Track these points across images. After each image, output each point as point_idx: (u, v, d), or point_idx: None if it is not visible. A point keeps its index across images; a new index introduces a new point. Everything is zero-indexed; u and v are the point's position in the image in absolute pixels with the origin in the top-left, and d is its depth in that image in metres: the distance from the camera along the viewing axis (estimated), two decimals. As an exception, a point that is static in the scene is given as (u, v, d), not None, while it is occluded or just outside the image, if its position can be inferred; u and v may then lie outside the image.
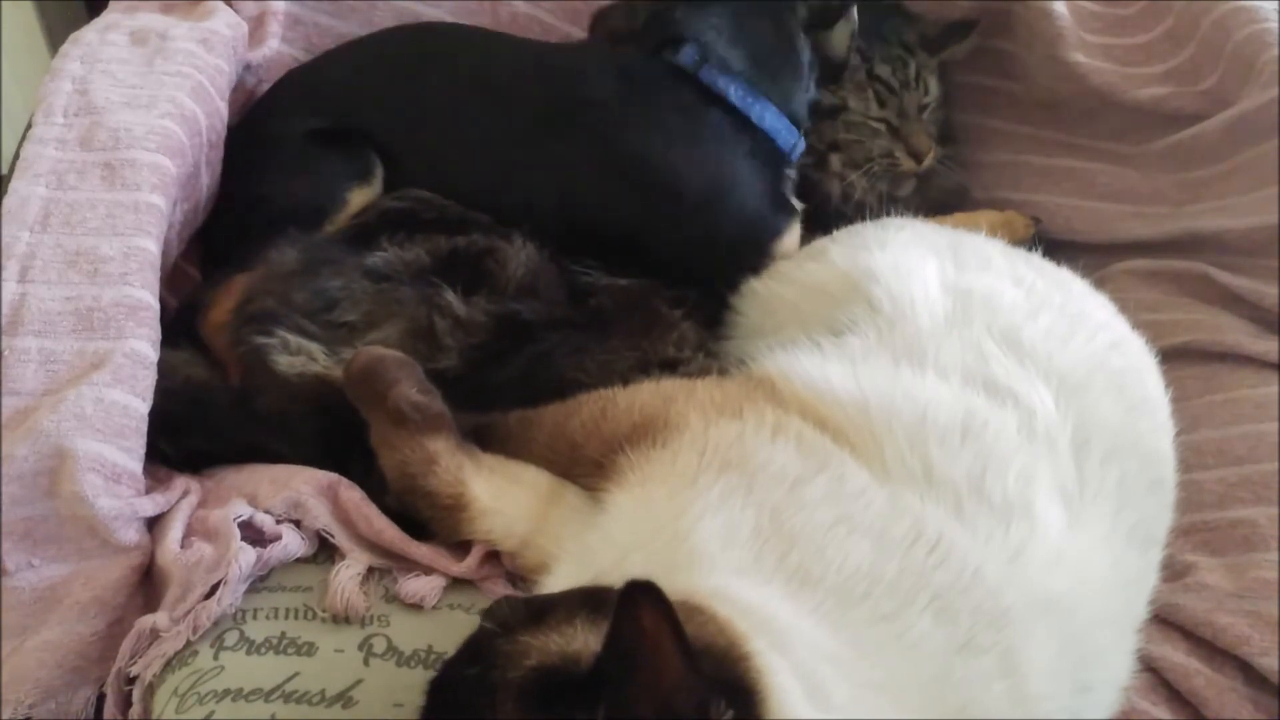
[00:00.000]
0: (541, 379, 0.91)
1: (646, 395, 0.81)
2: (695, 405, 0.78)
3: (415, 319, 0.94)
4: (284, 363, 0.93)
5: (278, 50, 1.23)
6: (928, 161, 1.26)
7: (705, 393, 0.81)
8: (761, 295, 1.04)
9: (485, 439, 0.85)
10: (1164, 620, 0.82)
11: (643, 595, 0.50)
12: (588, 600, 0.59)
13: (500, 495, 0.80)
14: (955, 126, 1.35)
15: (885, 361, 0.81)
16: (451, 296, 0.95)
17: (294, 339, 0.93)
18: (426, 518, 0.82)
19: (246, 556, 0.79)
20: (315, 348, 0.93)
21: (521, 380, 0.92)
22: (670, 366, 0.95)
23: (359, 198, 1.09)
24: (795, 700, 0.56)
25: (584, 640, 0.57)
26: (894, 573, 0.65)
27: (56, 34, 1.77)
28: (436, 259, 0.98)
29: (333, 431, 0.91)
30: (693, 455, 0.73)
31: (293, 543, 0.83)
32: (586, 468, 0.79)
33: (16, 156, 1.00)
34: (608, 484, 0.76)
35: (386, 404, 0.82)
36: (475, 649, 0.60)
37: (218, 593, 0.78)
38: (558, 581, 0.72)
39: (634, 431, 0.77)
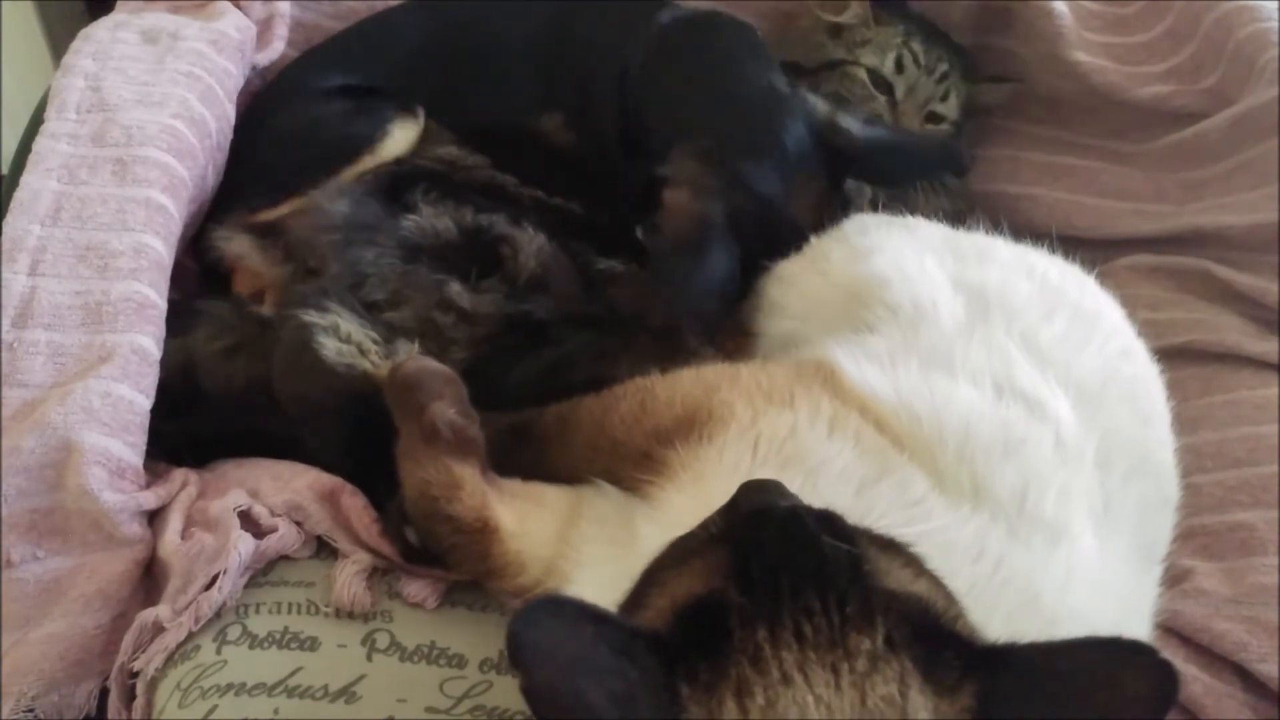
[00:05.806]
0: (566, 382, 0.87)
1: (688, 384, 0.77)
2: (740, 393, 0.73)
3: (421, 308, 0.93)
4: (331, 349, 0.89)
5: (283, 53, 1.23)
6: None
7: (751, 378, 0.76)
8: (773, 299, 0.99)
9: (521, 439, 0.82)
10: (1162, 626, 0.80)
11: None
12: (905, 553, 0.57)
13: (525, 519, 0.76)
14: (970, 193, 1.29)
15: (915, 365, 0.77)
16: (459, 288, 0.93)
17: (344, 324, 0.90)
18: (448, 546, 0.76)
19: (246, 544, 0.80)
20: (368, 341, 0.90)
21: (540, 380, 0.89)
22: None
23: (401, 132, 1.10)
24: None
25: (925, 588, 0.54)
26: (965, 587, 0.60)
27: (56, 34, 1.76)
28: (462, 231, 0.97)
29: (361, 437, 0.87)
30: (743, 448, 0.68)
31: (289, 534, 0.83)
32: (630, 464, 0.74)
33: (17, 155, 1.00)
34: (658, 479, 0.71)
35: (423, 417, 0.78)
36: (833, 523, 0.55)
37: (218, 582, 0.78)
38: (581, 590, 0.68)
39: (677, 425, 0.72)
